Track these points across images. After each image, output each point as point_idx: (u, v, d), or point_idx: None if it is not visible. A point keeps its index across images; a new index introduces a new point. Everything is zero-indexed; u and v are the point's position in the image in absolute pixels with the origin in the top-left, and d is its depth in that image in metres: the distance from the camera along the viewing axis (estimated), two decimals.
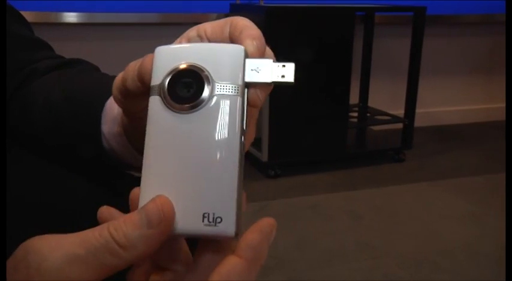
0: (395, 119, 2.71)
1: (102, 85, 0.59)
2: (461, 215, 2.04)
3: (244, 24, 0.41)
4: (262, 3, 2.43)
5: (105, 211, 0.39)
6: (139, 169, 0.56)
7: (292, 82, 0.40)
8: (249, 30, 0.40)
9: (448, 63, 3.24)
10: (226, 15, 2.64)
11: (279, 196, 2.17)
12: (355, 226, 1.93)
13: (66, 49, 0.85)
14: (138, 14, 2.56)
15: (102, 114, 0.56)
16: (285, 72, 0.40)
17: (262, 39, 0.40)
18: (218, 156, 0.38)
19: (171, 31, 2.65)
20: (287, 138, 2.38)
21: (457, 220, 2.00)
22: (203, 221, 0.37)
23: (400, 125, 2.65)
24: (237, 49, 0.39)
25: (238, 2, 2.62)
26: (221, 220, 0.37)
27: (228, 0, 2.64)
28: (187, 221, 0.37)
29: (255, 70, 0.40)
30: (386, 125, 2.76)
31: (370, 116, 2.79)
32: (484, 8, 3.11)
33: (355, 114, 2.81)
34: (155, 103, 0.39)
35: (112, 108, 0.55)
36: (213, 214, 0.37)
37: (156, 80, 0.40)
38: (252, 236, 0.36)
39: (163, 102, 0.39)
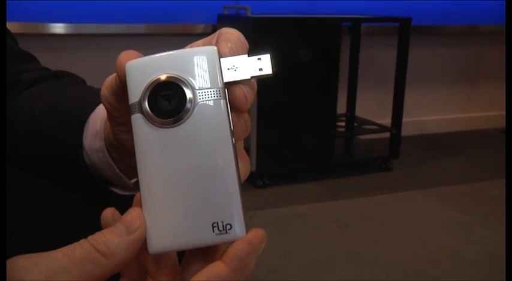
0: (382, 128, 2.74)
1: (86, 99, 0.58)
2: (447, 223, 2.06)
3: (226, 31, 0.40)
4: (249, 14, 2.45)
5: (109, 213, 0.39)
6: (121, 186, 0.56)
7: (271, 74, 0.39)
8: (227, 34, 0.40)
9: (434, 73, 3.29)
10: (214, 26, 2.68)
11: (267, 206, 2.17)
12: (343, 235, 1.94)
13: (52, 60, 0.86)
14: (125, 24, 2.56)
15: (85, 128, 0.55)
16: (262, 64, 0.39)
17: (239, 42, 0.39)
18: (214, 163, 0.37)
19: (159, 42, 2.68)
20: (275, 148, 2.40)
21: (443, 228, 2.02)
22: (213, 231, 0.37)
23: (387, 134, 2.67)
24: (209, 50, 0.39)
25: (225, 12, 2.63)
26: (231, 226, 0.37)
27: (215, 11, 2.65)
28: (198, 234, 0.37)
29: (232, 68, 0.39)
30: (373, 134, 2.79)
31: (357, 126, 2.81)
32: (468, 19, 3.15)
33: (343, 123, 2.82)
34: (138, 121, 0.38)
35: (95, 123, 0.55)
36: (222, 222, 0.37)
37: (134, 97, 0.39)
38: (240, 246, 0.36)
39: (147, 120, 0.38)
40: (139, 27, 2.58)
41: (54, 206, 0.61)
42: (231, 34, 0.40)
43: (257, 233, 0.37)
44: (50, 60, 0.76)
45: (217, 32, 0.40)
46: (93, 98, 0.57)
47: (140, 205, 0.38)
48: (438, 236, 1.96)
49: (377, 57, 3.10)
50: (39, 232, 0.60)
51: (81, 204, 0.60)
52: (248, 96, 0.39)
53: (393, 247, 1.86)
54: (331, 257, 1.77)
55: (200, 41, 0.41)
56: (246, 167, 0.41)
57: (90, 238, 0.36)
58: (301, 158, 2.45)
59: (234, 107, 0.39)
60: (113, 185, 0.57)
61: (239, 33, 0.40)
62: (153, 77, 0.38)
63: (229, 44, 0.39)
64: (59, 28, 2.48)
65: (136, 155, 0.39)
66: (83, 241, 0.36)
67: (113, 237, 0.36)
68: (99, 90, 0.44)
